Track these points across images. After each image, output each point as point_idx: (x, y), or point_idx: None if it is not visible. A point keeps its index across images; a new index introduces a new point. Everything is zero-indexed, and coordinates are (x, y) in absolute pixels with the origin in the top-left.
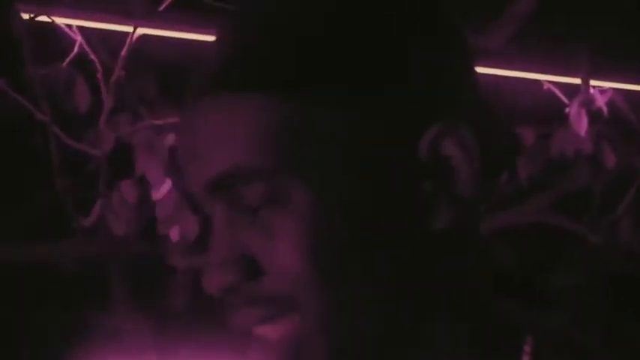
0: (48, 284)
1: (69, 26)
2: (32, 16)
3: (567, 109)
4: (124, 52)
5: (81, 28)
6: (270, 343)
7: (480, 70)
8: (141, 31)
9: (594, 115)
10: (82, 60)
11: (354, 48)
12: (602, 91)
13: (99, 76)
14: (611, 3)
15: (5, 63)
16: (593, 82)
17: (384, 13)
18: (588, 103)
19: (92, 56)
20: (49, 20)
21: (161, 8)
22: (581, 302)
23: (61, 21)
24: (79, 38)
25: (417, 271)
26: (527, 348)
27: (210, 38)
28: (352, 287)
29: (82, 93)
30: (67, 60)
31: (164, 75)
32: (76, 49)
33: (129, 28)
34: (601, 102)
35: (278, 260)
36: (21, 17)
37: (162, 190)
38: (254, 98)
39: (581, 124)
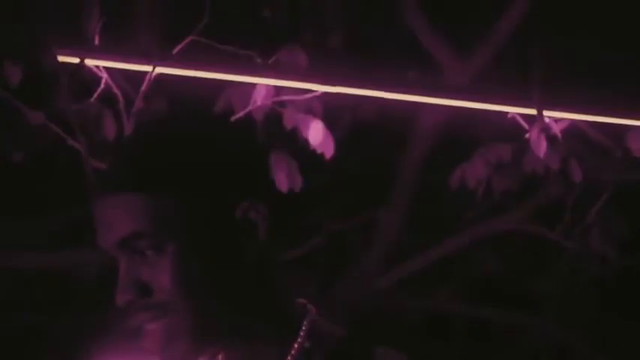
0: (71, 290)
1: (96, 66)
2: (79, 61)
3: (527, 135)
4: (144, 88)
5: (106, 68)
6: (155, 333)
7: (454, 103)
8: (158, 70)
9: (553, 139)
10: (106, 93)
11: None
12: (557, 120)
13: (120, 106)
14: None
15: (41, 98)
16: (550, 113)
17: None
18: (546, 130)
19: (115, 90)
20: (79, 61)
21: (175, 51)
22: (566, 305)
23: (90, 62)
24: (105, 76)
25: (240, 285)
26: (305, 325)
27: (217, 76)
28: (203, 296)
29: (109, 126)
30: (96, 95)
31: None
32: (102, 85)
33: (148, 68)
34: (556, 129)
35: (159, 283)
36: (57, 58)
37: None
38: (141, 195)
39: (541, 148)
